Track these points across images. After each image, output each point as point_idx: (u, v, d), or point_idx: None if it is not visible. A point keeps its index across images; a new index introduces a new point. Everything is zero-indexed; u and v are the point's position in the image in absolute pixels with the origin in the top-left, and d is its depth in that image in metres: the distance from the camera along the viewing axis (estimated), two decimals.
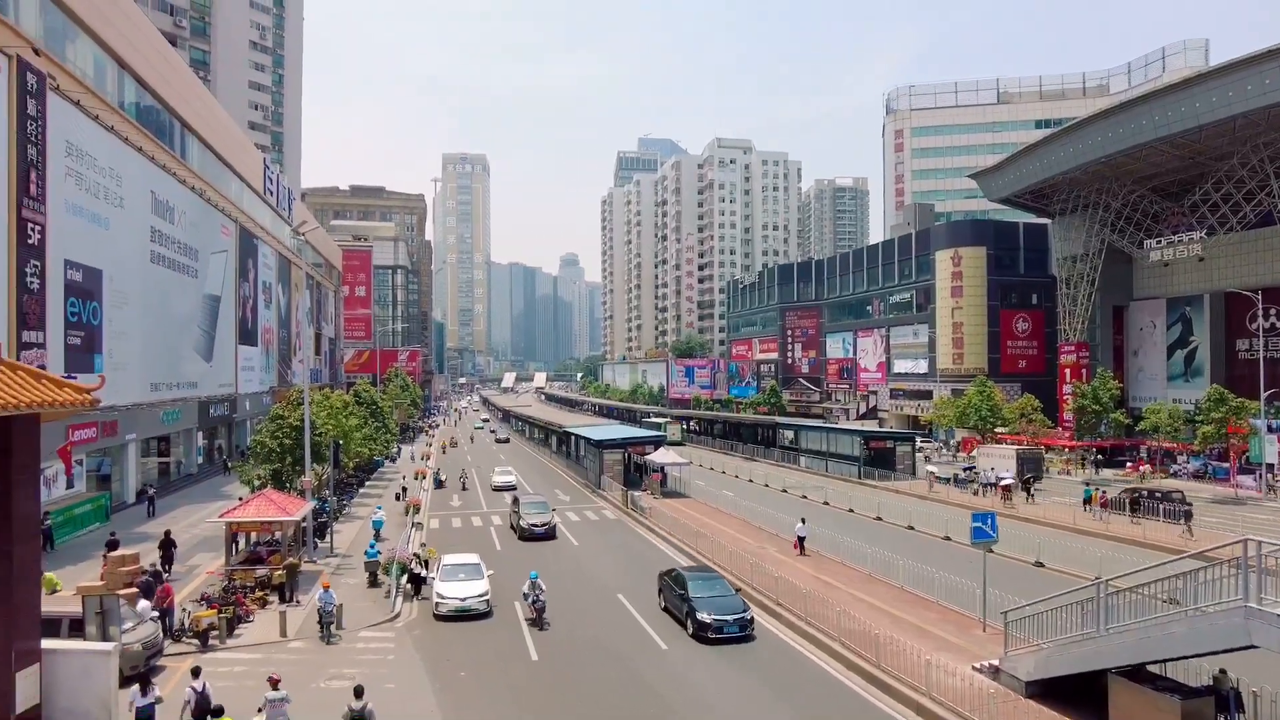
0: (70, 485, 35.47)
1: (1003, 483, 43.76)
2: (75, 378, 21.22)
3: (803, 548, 30.32)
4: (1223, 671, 14.43)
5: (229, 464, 54.11)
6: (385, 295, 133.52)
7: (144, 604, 19.61)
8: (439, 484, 51.63)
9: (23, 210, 30.42)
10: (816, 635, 20.35)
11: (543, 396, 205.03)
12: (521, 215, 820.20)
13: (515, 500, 37.52)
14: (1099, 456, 61.51)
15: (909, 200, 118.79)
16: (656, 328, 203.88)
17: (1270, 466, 47.38)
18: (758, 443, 72.93)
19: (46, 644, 13.69)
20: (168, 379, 46.49)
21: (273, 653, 19.64)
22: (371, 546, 28.11)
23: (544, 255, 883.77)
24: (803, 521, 31.37)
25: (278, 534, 26.55)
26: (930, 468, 52.06)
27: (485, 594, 23.10)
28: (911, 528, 36.66)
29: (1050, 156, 64.18)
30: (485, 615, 22.79)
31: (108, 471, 41.00)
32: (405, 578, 25.16)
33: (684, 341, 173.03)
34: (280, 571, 24.13)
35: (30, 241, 30.97)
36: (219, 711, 13.23)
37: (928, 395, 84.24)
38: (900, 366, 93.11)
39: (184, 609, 21.58)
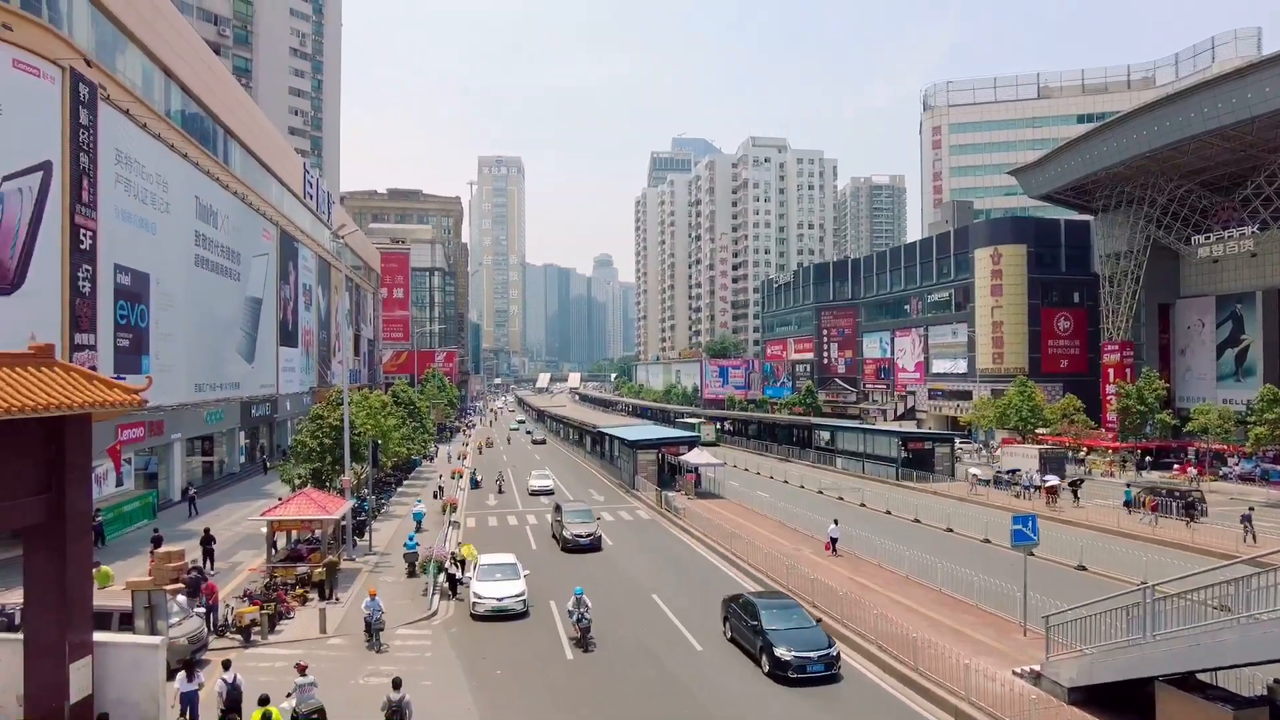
0: (120, 483, 36.45)
1: (1048, 484, 42.82)
2: (124, 378, 21.87)
3: (835, 548, 30.18)
4: (1277, 681, 13.96)
5: (269, 463, 55.22)
6: (423, 297, 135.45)
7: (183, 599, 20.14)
8: (475, 484, 51.76)
9: (75, 216, 31.45)
10: (853, 639, 20.12)
11: (577, 397, 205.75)
12: (555, 216, 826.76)
13: (557, 508, 34.83)
14: (1146, 458, 59.98)
15: (947, 198, 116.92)
16: (690, 328, 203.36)
17: None
18: (793, 444, 72.32)
19: (98, 637, 14.10)
20: (211, 380, 47.56)
21: (313, 649, 19.97)
22: (411, 538, 28.72)
23: (578, 256, 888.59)
24: (835, 523, 31.34)
25: (318, 532, 27.03)
26: (973, 470, 51.15)
27: (522, 594, 23.19)
28: (950, 530, 36.12)
29: (1093, 151, 62.75)
30: (522, 615, 22.88)
31: (154, 470, 42.04)
32: (442, 576, 25.45)
33: (718, 341, 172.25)
34: (320, 569, 24.60)
35: (83, 247, 32.01)
36: (265, 700, 13.55)
37: (967, 396, 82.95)
38: (939, 366, 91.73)
39: (227, 605, 22.14)
